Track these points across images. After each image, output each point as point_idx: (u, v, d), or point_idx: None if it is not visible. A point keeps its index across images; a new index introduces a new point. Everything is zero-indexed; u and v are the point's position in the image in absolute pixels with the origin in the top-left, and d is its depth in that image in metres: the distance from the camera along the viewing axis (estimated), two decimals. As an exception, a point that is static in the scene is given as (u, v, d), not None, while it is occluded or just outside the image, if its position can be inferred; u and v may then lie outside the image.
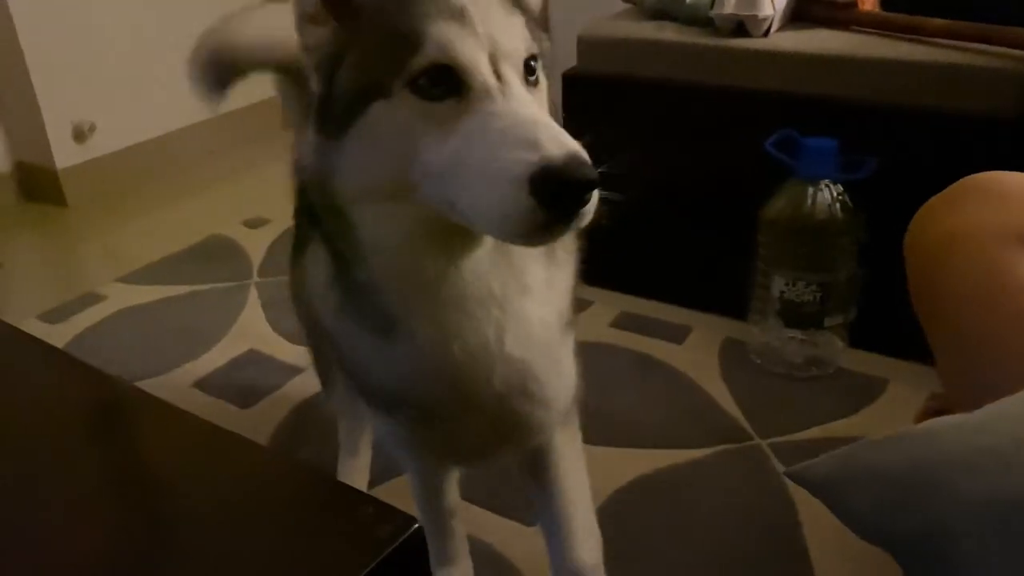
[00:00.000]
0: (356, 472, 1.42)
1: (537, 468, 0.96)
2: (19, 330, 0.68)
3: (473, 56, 0.62)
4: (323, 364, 1.29)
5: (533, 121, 0.60)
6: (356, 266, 0.72)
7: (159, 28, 2.86)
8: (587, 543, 0.97)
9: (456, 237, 0.68)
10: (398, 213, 0.67)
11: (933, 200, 0.92)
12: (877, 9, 1.74)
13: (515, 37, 0.65)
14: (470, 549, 1.25)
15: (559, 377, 0.83)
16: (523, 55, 0.66)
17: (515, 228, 0.59)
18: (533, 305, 0.75)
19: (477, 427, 0.80)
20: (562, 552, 0.96)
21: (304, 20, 0.68)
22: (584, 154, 0.58)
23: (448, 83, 0.62)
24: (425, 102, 0.63)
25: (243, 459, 0.60)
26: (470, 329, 0.72)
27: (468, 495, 1.38)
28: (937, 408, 1.04)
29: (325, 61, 0.68)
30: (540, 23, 0.73)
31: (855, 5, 1.71)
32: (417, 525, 0.48)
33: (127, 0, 2.74)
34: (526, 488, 1.01)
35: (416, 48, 0.62)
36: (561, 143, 0.57)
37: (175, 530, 0.56)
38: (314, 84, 0.69)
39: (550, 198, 0.57)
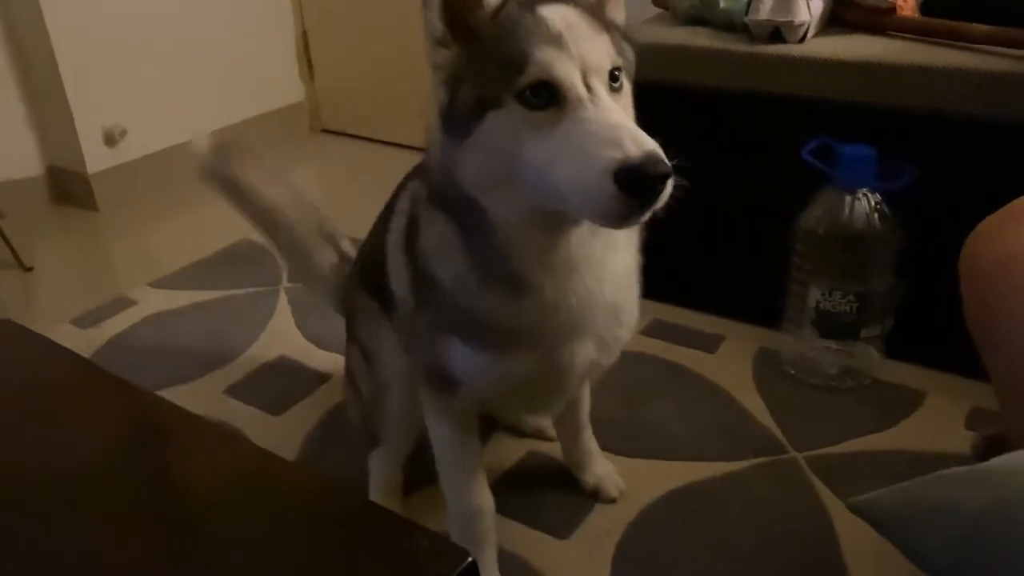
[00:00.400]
0: (392, 494, 1.39)
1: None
2: (61, 346, 0.68)
3: (568, 73, 0.78)
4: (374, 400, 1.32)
5: (617, 124, 0.75)
6: (490, 237, 0.89)
7: (189, 34, 2.88)
8: (585, 411, 1.38)
9: (558, 218, 0.85)
10: (510, 200, 0.84)
11: (988, 220, 0.90)
12: (916, 14, 1.71)
13: (602, 54, 0.81)
14: (504, 564, 1.25)
15: (635, 307, 1.07)
16: (608, 67, 0.81)
17: (603, 211, 0.75)
18: (619, 259, 0.97)
19: (580, 352, 1.00)
20: (569, 416, 1.37)
21: (432, 43, 0.84)
22: (659, 151, 0.73)
23: (548, 95, 0.78)
24: (530, 111, 0.79)
25: (293, 484, 0.59)
26: (581, 285, 0.93)
27: (501, 509, 1.37)
28: (997, 435, 1.01)
29: (450, 78, 0.84)
30: (624, 36, 0.89)
31: (894, 10, 1.68)
32: (471, 559, 0.47)
33: (157, 6, 2.76)
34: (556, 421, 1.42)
35: (523, 68, 0.78)
36: (640, 143, 0.73)
37: (222, 557, 0.55)
38: (442, 96, 0.85)
39: (631, 188, 0.72)
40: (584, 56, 0.79)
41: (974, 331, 0.89)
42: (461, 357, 1.01)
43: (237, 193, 1.55)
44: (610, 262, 0.95)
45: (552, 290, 0.92)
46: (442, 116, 0.86)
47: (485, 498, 1.20)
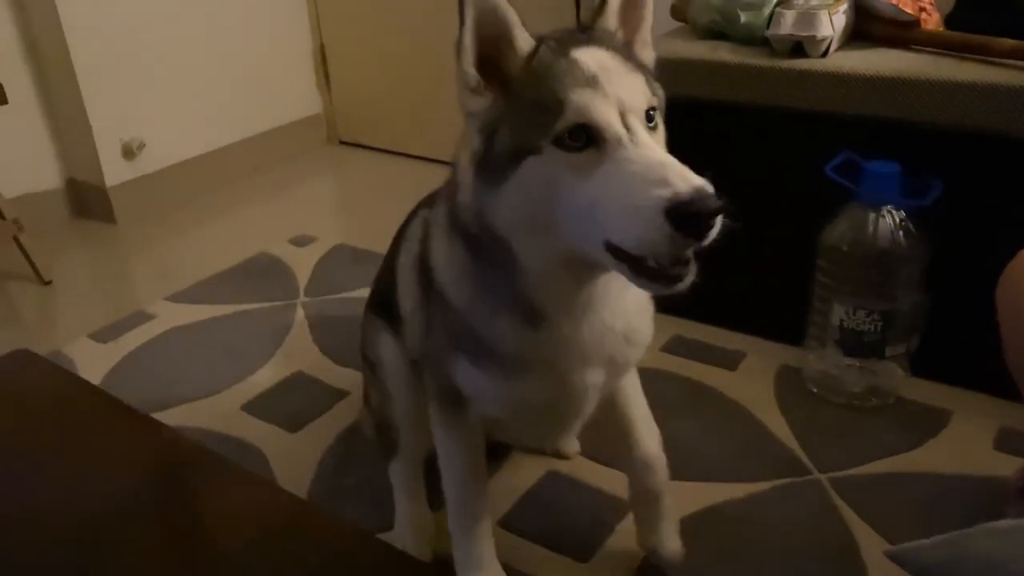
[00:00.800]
0: (418, 505, 1.38)
1: (612, 400, 1.18)
2: (79, 378, 0.67)
3: (605, 114, 0.77)
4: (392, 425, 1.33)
5: (661, 163, 0.74)
6: (514, 276, 0.89)
7: (207, 47, 2.89)
8: (652, 438, 1.24)
9: (589, 264, 0.85)
10: (543, 246, 0.84)
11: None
12: (940, 28, 1.69)
13: (637, 93, 0.80)
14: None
15: (649, 328, 1.06)
16: (644, 106, 0.80)
17: (658, 250, 0.75)
18: (636, 293, 0.96)
19: (591, 378, 1.00)
20: (633, 448, 1.23)
21: (467, 91, 0.83)
22: (708, 187, 0.72)
23: (586, 138, 0.77)
24: (568, 153, 0.77)
25: (315, 529, 0.58)
26: (596, 318, 0.94)
27: (521, 531, 1.36)
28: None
29: (485, 125, 0.83)
30: (655, 76, 0.89)
31: (918, 24, 1.66)
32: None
33: (176, 20, 2.78)
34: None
35: (559, 112, 0.77)
36: (687, 179, 0.72)
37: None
38: (476, 142, 0.84)
39: (684, 225, 0.71)
40: (620, 96, 0.78)
41: (1014, 364, 0.87)
42: (471, 378, 1.01)
43: None
44: (624, 295, 0.96)
45: (568, 325, 0.93)
46: (476, 162, 0.85)
47: (483, 503, 1.18)
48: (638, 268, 0.78)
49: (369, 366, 1.34)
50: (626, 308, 0.97)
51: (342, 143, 3.39)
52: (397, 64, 3.08)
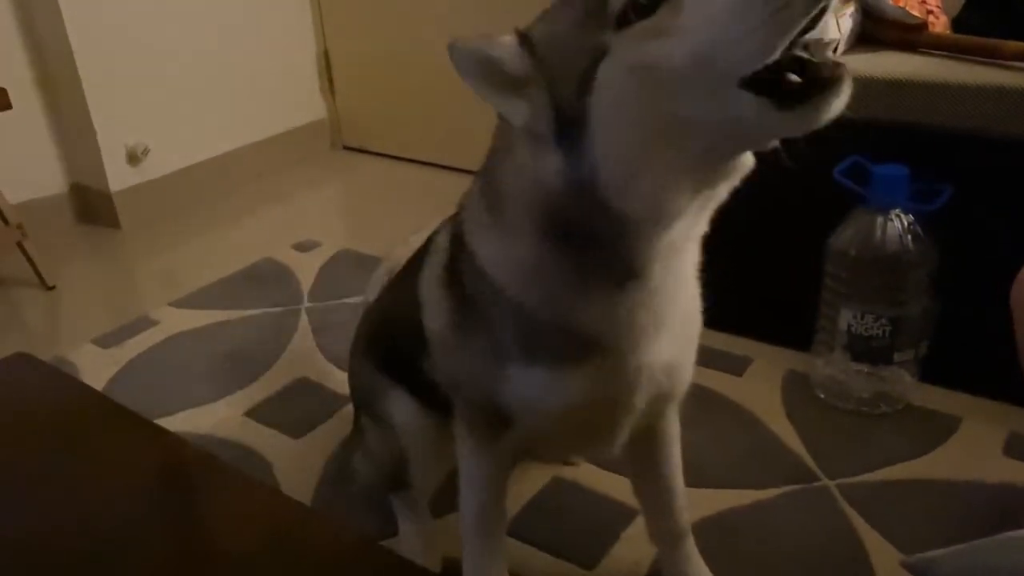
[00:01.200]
0: (427, 543, 1.34)
1: (650, 442, 1.12)
2: (80, 382, 0.66)
3: None
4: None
5: None
6: (612, 242, 0.78)
7: (211, 53, 2.89)
8: (684, 511, 1.17)
9: (706, 182, 0.75)
10: (665, 171, 0.71)
11: None
12: (948, 31, 1.68)
13: None
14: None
15: (698, 318, 1.00)
16: None
17: (793, 13, 0.60)
18: (695, 249, 0.90)
19: (656, 354, 0.90)
20: (666, 516, 1.16)
21: (504, 107, 0.75)
22: None
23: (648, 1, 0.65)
24: (642, 23, 0.65)
25: (320, 537, 0.57)
26: (680, 264, 0.86)
27: (526, 538, 1.35)
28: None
29: (542, 101, 0.73)
30: None
31: (925, 27, 1.65)
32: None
33: (181, 26, 2.78)
34: (631, 463, 1.18)
35: None
36: None
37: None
38: (540, 115, 0.74)
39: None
40: None
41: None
42: (522, 384, 0.91)
43: None
44: (692, 250, 0.89)
45: (658, 274, 0.82)
46: (552, 132, 0.74)
47: (501, 514, 1.14)
48: (786, 93, 0.66)
49: (372, 419, 1.27)
50: (691, 265, 0.90)
51: (346, 148, 3.39)
52: (401, 69, 3.08)
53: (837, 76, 0.66)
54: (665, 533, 1.19)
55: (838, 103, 0.67)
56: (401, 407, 1.19)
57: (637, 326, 0.86)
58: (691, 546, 1.20)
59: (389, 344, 1.22)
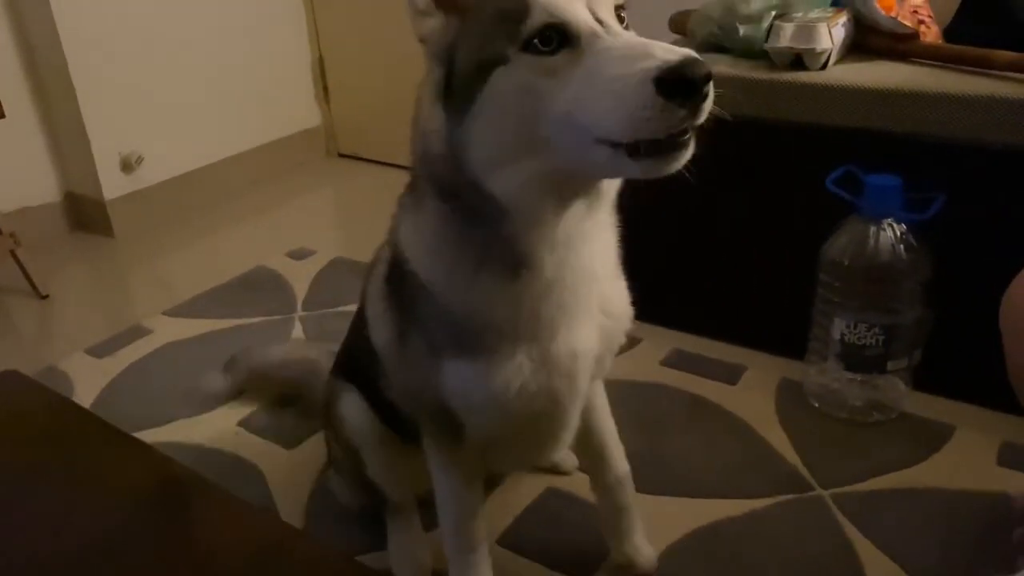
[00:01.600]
0: (416, 556, 1.34)
1: (585, 421, 1.15)
2: (70, 401, 0.66)
3: (575, 11, 0.72)
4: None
5: (644, 43, 0.69)
6: (497, 223, 0.82)
7: (205, 60, 2.89)
8: (622, 456, 1.26)
9: (567, 188, 0.81)
10: (524, 170, 0.77)
11: None
12: (940, 41, 1.69)
13: None
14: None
15: (624, 296, 1.01)
16: (612, 3, 0.75)
17: (652, 126, 0.68)
18: (605, 235, 0.92)
19: (581, 339, 0.94)
20: (607, 470, 1.25)
21: (416, 15, 0.79)
22: (696, 55, 0.67)
23: (558, 39, 0.71)
24: (541, 57, 0.72)
25: (314, 561, 0.56)
26: (576, 259, 0.87)
27: (520, 549, 1.35)
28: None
29: (441, 49, 0.79)
30: None
31: (916, 36, 1.66)
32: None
33: (175, 33, 2.78)
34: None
35: (524, 16, 0.71)
36: (674, 50, 0.67)
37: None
38: (436, 71, 0.80)
39: (675, 91, 0.66)
40: None
41: (1020, 389, 0.85)
42: (458, 376, 0.93)
43: (261, 379, 1.72)
44: (599, 238, 0.91)
45: (552, 267, 0.86)
46: (439, 93, 0.80)
47: (481, 532, 1.15)
48: (634, 150, 0.71)
49: (333, 429, 1.30)
50: (600, 253, 0.92)
51: (341, 156, 3.39)
52: (396, 76, 3.07)
53: (683, 143, 0.73)
54: (604, 481, 1.25)
55: (682, 160, 0.75)
56: (351, 407, 1.23)
57: (544, 318, 0.90)
58: (628, 495, 1.27)
59: (355, 359, 1.25)
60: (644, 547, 1.30)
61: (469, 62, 0.76)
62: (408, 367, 1.00)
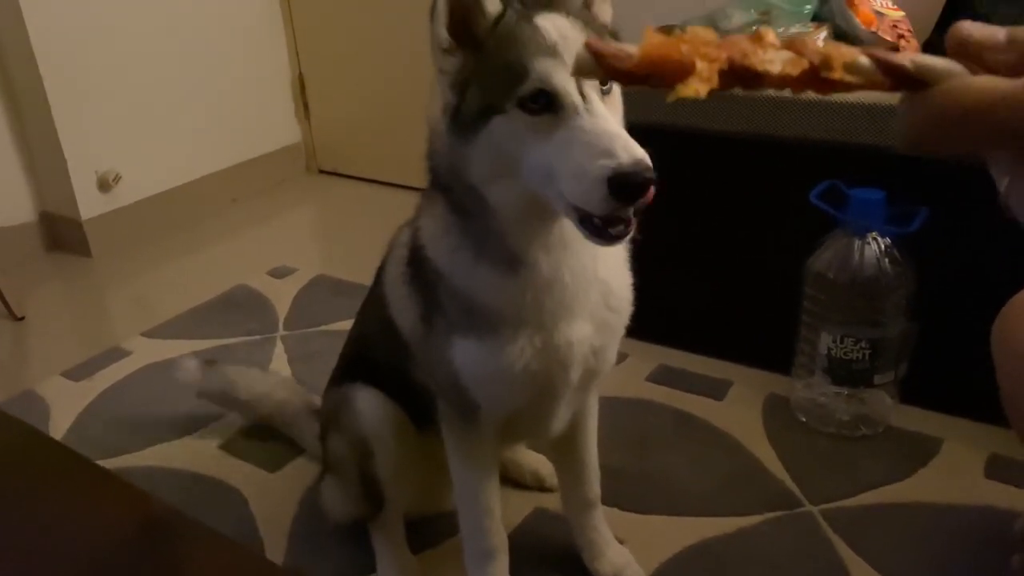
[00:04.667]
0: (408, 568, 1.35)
1: (572, 426, 1.22)
2: (47, 437, 0.63)
3: (563, 82, 0.83)
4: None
5: (610, 133, 0.81)
6: (488, 220, 0.94)
7: (184, 77, 2.87)
8: (596, 482, 1.30)
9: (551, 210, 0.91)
10: (514, 189, 0.90)
11: (1020, 297, 0.85)
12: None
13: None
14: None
15: (628, 292, 1.07)
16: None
17: (597, 211, 0.82)
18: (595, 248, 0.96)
19: (578, 332, 1.01)
20: (578, 489, 1.29)
21: (438, 50, 0.89)
22: (646, 159, 0.79)
23: (546, 102, 0.84)
24: (530, 116, 0.85)
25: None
26: (575, 260, 0.97)
27: (512, 569, 1.32)
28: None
29: (457, 82, 0.89)
30: (614, 35, 0.94)
31: (896, 51, 1.66)
32: None
33: (153, 50, 2.75)
34: (553, 444, 1.29)
35: (522, 78, 0.84)
36: (630, 152, 0.79)
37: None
38: (450, 98, 0.90)
39: (621, 193, 0.79)
40: None
41: (1012, 413, 0.85)
42: (464, 354, 1.02)
43: (230, 401, 1.69)
44: (594, 252, 0.99)
45: (547, 266, 0.96)
46: (450, 116, 0.91)
47: (500, 538, 1.22)
48: (586, 221, 0.85)
49: (338, 430, 1.29)
50: (603, 255, 1.00)
51: (321, 172, 3.37)
52: (376, 92, 3.07)
53: (619, 235, 0.85)
54: (577, 502, 1.30)
55: (621, 241, 0.86)
56: (367, 401, 1.25)
57: (546, 310, 0.99)
58: (599, 516, 1.32)
59: (364, 358, 1.28)
60: (616, 558, 1.31)
61: (476, 103, 0.88)
62: (430, 346, 1.08)
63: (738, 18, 1.73)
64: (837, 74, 0.35)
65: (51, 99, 2.51)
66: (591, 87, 0.84)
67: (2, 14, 2.46)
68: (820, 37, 1.66)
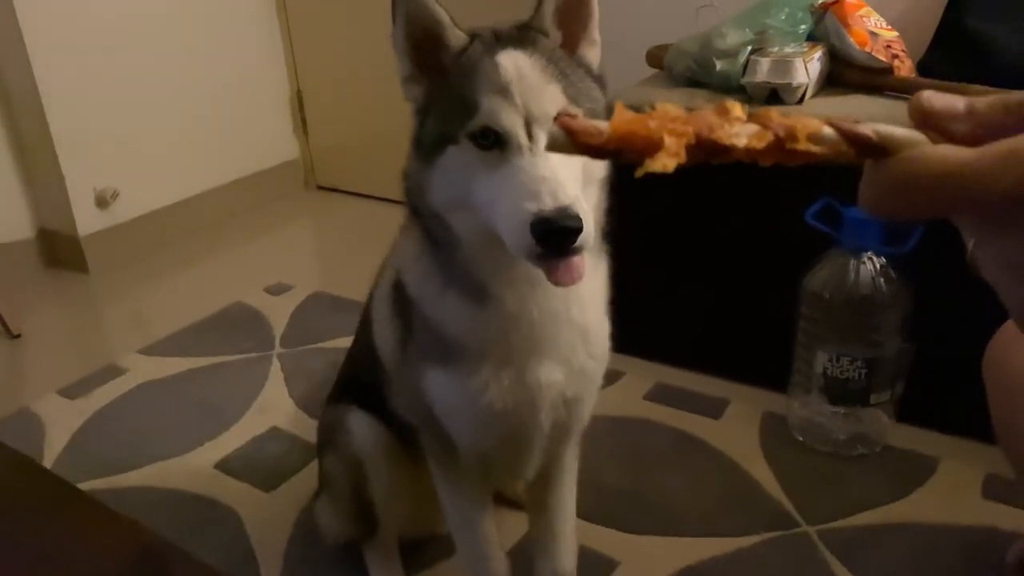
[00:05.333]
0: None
1: (546, 484, 1.18)
2: (37, 464, 0.63)
3: (511, 122, 0.83)
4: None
5: (543, 178, 0.80)
6: (454, 249, 0.93)
7: (182, 94, 2.87)
8: (570, 553, 1.22)
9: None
10: (472, 219, 0.88)
11: (1010, 324, 0.86)
12: (914, 75, 1.70)
13: (549, 103, 0.84)
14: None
15: (604, 335, 1.04)
16: (554, 115, 0.83)
17: (523, 254, 0.82)
18: (586, 284, 0.91)
19: (547, 374, 0.98)
20: (551, 559, 1.21)
21: (405, 81, 0.92)
22: (574, 207, 0.79)
23: (495, 138, 0.84)
24: (479, 150, 0.84)
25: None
26: (544, 299, 0.94)
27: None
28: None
29: (420, 109, 0.91)
30: (598, 77, 0.94)
31: (891, 71, 1.67)
32: None
33: (152, 67, 2.76)
34: (527, 504, 1.25)
35: (473, 113, 0.84)
36: (556, 198, 0.79)
37: None
38: (415, 124, 0.92)
39: (543, 239, 0.79)
40: (529, 106, 0.83)
41: (1004, 440, 0.85)
42: (433, 383, 1.01)
43: None
44: (564, 292, 0.95)
45: (512, 301, 0.94)
46: (413, 142, 0.93)
47: (502, 564, 1.18)
48: (541, 250, 0.82)
49: (333, 451, 1.29)
50: (581, 300, 0.97)
51: (320, 188, 3.37)
52: (375, 109, 3.07)
53: (564, 282, 0.82)
54: (548, 573, 1.21)
55: (570, 281, 0.84)
56: (359, 422, 1.24)
57: (513, 346, 0.96)
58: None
59: (357, 378, 1.28)
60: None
61: (433, 131, 0.89)
62: (406, 373, 1.07)
63: (733, 38, 1.74)
64: (802, 145, 0.37)
65: (49, 116, 2.52)
66: (541, 128, 0.83)
67: (1, 32, 2.46)
68: (816, 57, 1.67)
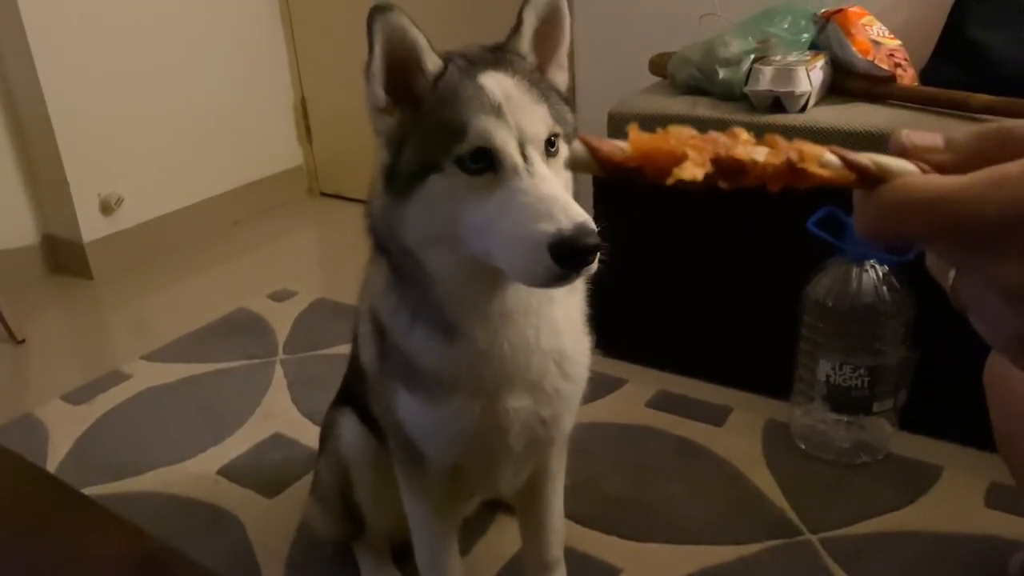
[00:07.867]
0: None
1: (533, 483, 1.17)
2: (41, 470, 0.63)
3: (505, 142, 0.80)
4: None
5: (550, 197, 0.78)
6: (425, 288, 0.90)
7: (186, 101, 2.88)
8: (557, 543, 1.23)
9: (495, 271, 0.85)
10: (451, 255, 0.86)
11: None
12: (916, 84, 1.71)
13: (539, 123, 0.82)
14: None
15: (583, 357, 1.02)
16: (544, 136, 0.83)
17: (539, 280, 0.79)
18: (559, 308, 0.96)
19: (516, 402, 0.97)
20: (535, 549, 1.23)
21: (375, 111, 0.87)
22: (590, 223, 0.76)
23: (486, 161, 0.81)
24: (468, 176, 0.81)
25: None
26: (515, 332, 0.93)
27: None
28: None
29: (393, 141, 0.87)
30: (567, 101, 0.91)
31: (893, 79, 1.68)
32: None
33: (156, 74, 2.77)
34: (515, 498, 1.22)
35: (462, 135, 0.81)
36: (571, 216, 0.76)
37: None
38: (384, 157, 0.87)
39: (564, 260, 0.75)
40: (521, 125, 0.81)
41: (1006, 454, 0.85)
42: (407, 407, 1.00)
43: None
44: (547, 311, 0.95)
45: (484, 339, 0.92)
46: (385, 176, 0.88)
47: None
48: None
49: (325, 451, 1.31)
50: (548, 325, 0.95)
51: (323, 195, 3.38)
52: (378, 117, 3.08)
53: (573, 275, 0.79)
54: (535, 562, 1.24)
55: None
56: (347, 426, 1.25)
57: (485, 379, 0.95)
58: None
59: (351, 383, 1.27)
60: None
61: (412, 161, 0.84)
62: (383, 387, 1.05)
63: (736, 46, 1.75)
64: (811, 167, 0.38)
65: (54, 122, 2.53)
66: (535, 149, 0.81)
67: (7, 39, 2.48)
68: (819, 66, 1.68)
